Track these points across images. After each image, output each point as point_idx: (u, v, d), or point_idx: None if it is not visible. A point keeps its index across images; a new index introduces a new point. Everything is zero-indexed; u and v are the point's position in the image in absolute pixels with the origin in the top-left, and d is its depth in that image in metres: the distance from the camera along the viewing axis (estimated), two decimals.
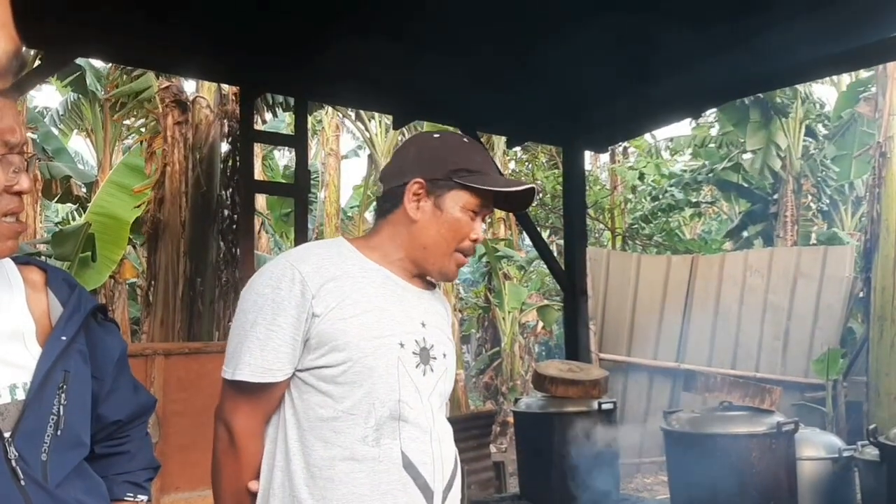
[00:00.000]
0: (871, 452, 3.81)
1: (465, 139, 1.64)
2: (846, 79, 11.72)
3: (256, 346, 1.43)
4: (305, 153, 4.62)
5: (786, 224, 11.00)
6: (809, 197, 11.64)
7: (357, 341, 1.43)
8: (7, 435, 1.10)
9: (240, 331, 1.47)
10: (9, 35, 0.46)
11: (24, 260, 1.28)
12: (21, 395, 1.13)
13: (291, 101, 5.84)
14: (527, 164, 18.52)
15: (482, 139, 5.68)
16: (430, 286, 1.64)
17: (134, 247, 7.62)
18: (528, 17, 4.13)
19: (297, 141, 4.61)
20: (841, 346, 7.84)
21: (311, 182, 12.37)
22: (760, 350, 8.08)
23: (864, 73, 10.74)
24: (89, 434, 1.27)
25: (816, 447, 4.48)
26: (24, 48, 0.49)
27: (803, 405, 7.48)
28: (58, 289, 1.27)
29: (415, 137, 1.72)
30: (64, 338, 1.20)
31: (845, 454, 4.40)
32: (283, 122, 13.81)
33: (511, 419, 7.04)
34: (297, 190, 4.58)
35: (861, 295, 7.76)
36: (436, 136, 1.64)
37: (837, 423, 7.35)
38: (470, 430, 6.17)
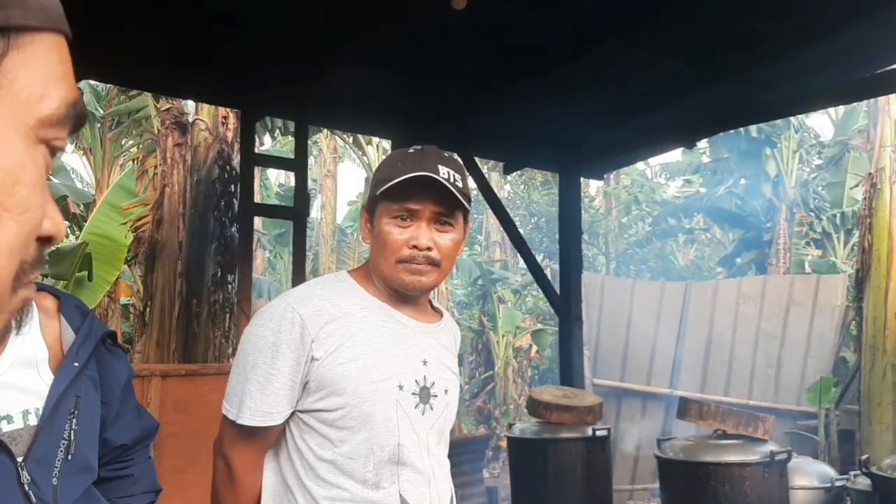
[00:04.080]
0: (864, 482, 3.82)
1: (402, 151, 1.56)
2: (840, 109, 11.85)
3: (257, 390, 1.45)
4: (305, 176, 4.66)
5: (778, 252, 11.07)
6: (803, 225, 11.74)
7: (355, 386, 1.44)
8: (20, 460, 1.11)
9: (241, 371, 1.49)
10: (69, 86, 0.49)
11: (36, 286, 1.30)
12: (33, 421, 1.15)
13: (290, 124, 5.90)
14: (522, 186, 18.63)
15: (480, 164, 5.73)
16: (437, 315, 1.64)
17: (129, 266, 7.63)
18: (526, 47, 4.20)
19: (297, 164, 4.64)
20: (833, 375, 7.88)
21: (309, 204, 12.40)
22: (753, 377, 8.10)
23: (857, 105, 10.86)
24: (97, 458, 1.29)
25: (809, 476, 4.48)
26: (82, 102, 0.52)
27: (796, 433, 7.49)
28: (70, 316, 1.29)
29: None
30: (76, 364, 1.22)
31: (837, 484, 4.40)
32: (278, 142, 13.88)
33: (504, 444, 7.03)
34: (297, 213, 4.60)
35: (852, 324, 7.81)
36: (386, 156, 1.68)
37: (830, 452, 7.36)
38: (463, 454, 6.16)
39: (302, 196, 4.59)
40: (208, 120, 5.65)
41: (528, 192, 18.83)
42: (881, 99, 7.20)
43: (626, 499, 7.85)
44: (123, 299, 8.81)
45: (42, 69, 0.46)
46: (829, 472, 4.65)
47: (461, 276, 13.85)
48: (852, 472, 4.29)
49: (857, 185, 10.82)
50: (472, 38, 4.06)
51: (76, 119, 0.50)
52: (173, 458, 3.34)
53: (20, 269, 0.46)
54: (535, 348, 13.26)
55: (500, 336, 12.02)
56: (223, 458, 1.51)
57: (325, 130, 12.42)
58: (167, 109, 5.54)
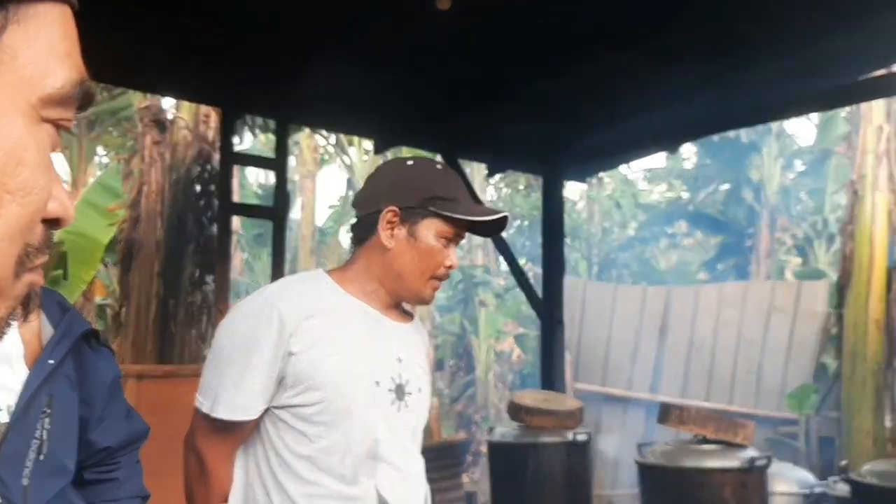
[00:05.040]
0: (843, 489, 3.83)
1: (438, 166, 1.64)
2: (821, 115, 11.96)
3: (232, 384, 1.44)
4: (285, 176, 4.61)
5: (759, 258, 11.15)
6: (784, 231, 11.83)
7: (333, 381, 1.44)
8: None
9: (217, 365, 1.49)
10: (74, 64, 0.46)
11: None
12: (4, 418, 1.12)
13: (270, 122, 5.84)
14: (505, 189, 18.65)
15: (463, 166, 5.71)
16: (408, 317, 1.64)
17: (105, 266, 7.53)
18: (511, 50, 4.18)
19: (278, 163, 4.60)
20: (814, 381, 7.92)
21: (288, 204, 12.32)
22: (734, 383, 8.14)
23: (837, 112, 10.96)
24: (74, 460, 1.25)
25: (789, 482, 4.50)
26: (89, 80, 0.49)
27: (776, 439, 7.52)
28: (50, 311, 1.25)
29: (388, 164, 1.71)
30: (51, 361, 1.18)
31: (817, 490, 4.42)
32: (258, 141, 13.79)
33: (484, 448, 7.00)
34: (276, 213, 4.55)
35: (834, 331, 7.86)
36: (409, 162, 1.62)
37: (810, 459, 7.40)
38: (442, 459, 6.13)
39: (282, 196, 4.54)
40: (188, 118, 5.59)
41: (511, 195, 18.87)
42: (863, 106, 7.26)
43: None
44: (99, 299, 8.69)
45: (45, 44, 0.44)
46: (809, 478, 4.68)
47: None
48: (832, 479, 4.30)
49: (836, 192, 10.94)
50: (457, 41, 4.04)
51: (83, 98, 0.47)
52: (149, 461, 3.26)
53: (24, 252, 0.45)
54: (516, 352, 13.26)
55: (481, 340, 12.01)
56: (195, 452, 1.51)
57: (307, 130, 12.36)
58: (146, 107, 5.47)
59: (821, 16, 3.95)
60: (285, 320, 1.43)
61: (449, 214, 1.52)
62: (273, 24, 3.81)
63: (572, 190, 19.89)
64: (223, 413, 1.44)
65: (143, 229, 5.31)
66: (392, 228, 1.52)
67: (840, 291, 7.56)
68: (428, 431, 9.51)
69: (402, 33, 3.97)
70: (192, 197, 5.48)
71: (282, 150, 4.60)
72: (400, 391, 1.53)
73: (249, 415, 1.45)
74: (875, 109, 7.34)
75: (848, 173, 7.95)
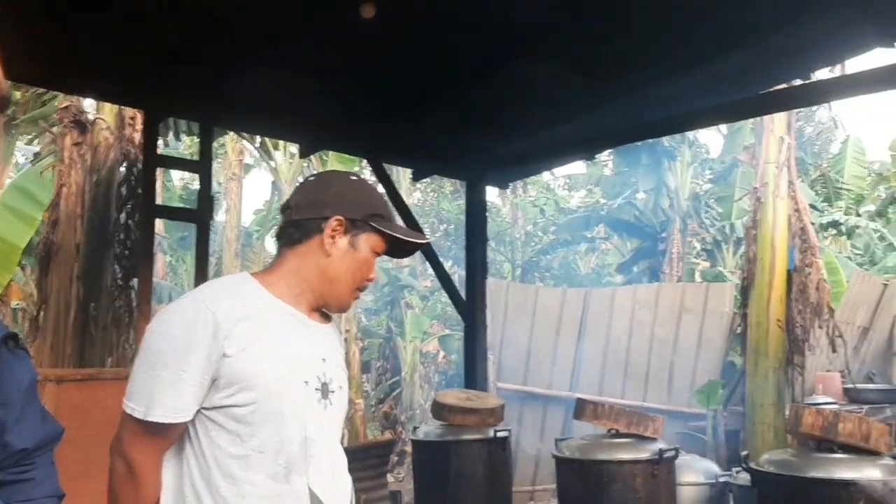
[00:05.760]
0: (745, 477, 4.05)
1: (373, 186, 1.78)
2: (729, 126, 12.54)
3: (168, 387, 1.45)
4: (209, 179, 4.60)
5: (672, 261, 11.64)
6: (695, 236, 12.38)
7: (266, 382, 1.48)
8: None
9: (149, 369, 1.48)
10: None
11: None
12: None
13: (194, 126, 5.79)
14: (431, 193, 18.80)
15: (387, 171, 5.79)
16: (327, 319, 1.71)
17: (22, 269, 7.29)
18: (434, 57, 4.30)
19: (202, 167, 4.58)
20: (722, 378, 8.32)
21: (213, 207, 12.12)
22: (648, 380, 8.46)
23: (744, 123, 11.52)
24: None
25: (696, 473, 4.75)
26: (7, 84, 0.53)
27: (686, 434, 7.86)
28: None
29: (331, 174, 1.82)
30: None
31: (721, 480, 4.69)
32: (182, 143, 13.52)
33: (409, 449, 7.10)
34: (200, 216, 4.54)
35: (739, 330, 8.27)
36: (353, 177, 1.72)
37: (718, 451, 7.76)
38: (367, 459, 6.18)
39: (205, 198, 4.53)
40: (111, 119, 5.49)
41: (437, 199, 19.03)
42: (766, 118, 7.69)
43: (527, 499, 8.05)
44: (15, 303, 8.39)
45: None
46: (714, 468, 4.95)
47: None
48: (735, 469, 4.58)
49: (740, 199, 11.50)
50: (382, 47, 4.12)
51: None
52: (69, 465, 3.23)
53: None
54: (442, 354, 13.39)
55: (407, 342, 12.09)
56: (123, 458, 1.49)
57: (232, 133, 12.20)
58: (66, 108, 5.35)
59: (727, 34, 4.22)
60: (220, 323, 1.46)
61: (389, 232, 1.63)
62: (198, 26, 3.81)
63: (498, 195, 20.20)
64: (159, 416, 1.44)
65: (62, 232, 5.19)
66: (334, 236, 1.60)
67: (744, 292, 7.98)
68: (354, 433, 9.54)
69: (327, 39, 4.03)
70: (114, 199, 5.39)
71: (206, 153, 4.59)
72: (325, 390, 1.59)
73: (186, 417, 1.46)
74: (777, 121, 7.78)
75: (752, 181, 8.39)
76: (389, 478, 7.71)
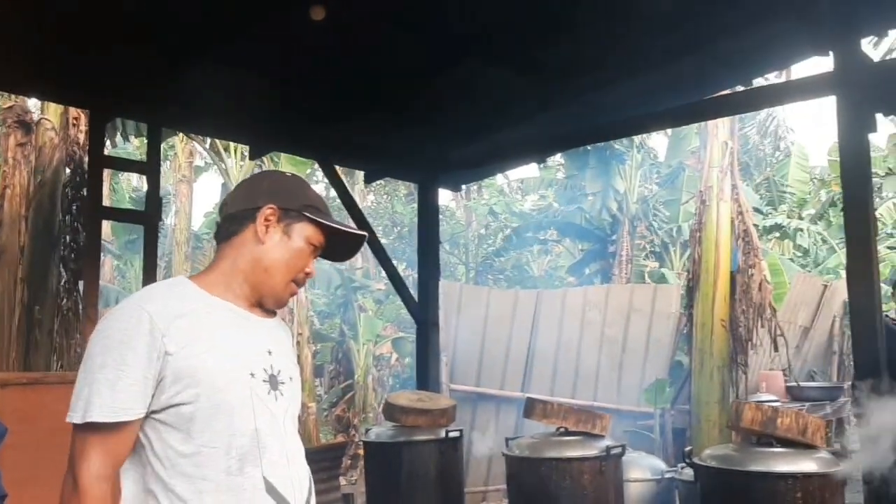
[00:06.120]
0: (689, 473, 4.16)
1: (308, 184, 1.78)
2: (676, 131, 12.83)
3: (106, 387, 1.43)
4: (157, 180, 4.55)
5: (621, 263, 11.85)
6: (643, 238, 12.63)
7: (210, 377, 1.48)
8: None
9: (88, 374, 1.46)
10: None
11: None
12: None
13: (143, 127, 5.71)
14: (385, 196, 18.81)
15: (340, 173, 5.79)
16: (271, 314, 1.72)
17: None
18: (385, 59, 4.32)
19: (150, 167, 4.53)
20: (669, 377, 8.50)
21: (162, 209, 11.93)
22: (598, 380, 8.58)
23: (690, 128, 11.81)
24: None
25: (642, 469, 4.86)
26: None
27: (635, 432, 8.01)
28: None
29: (266, 172, 1.85)
30: None
31: (667, 476, 4.81)
32: (130, 145, 13.29)
33: (362, 451, 7.08)
34: (148, 217, 4.49)
35: (685, 329, 8.47)
36: (289, 174, 1.77)
37: (665, 449, 7.93)
38: (320, 462, 6.16)
39: (154, 200, 4.48)
40: (55, 120, 5.39)
41: (391, 202, 19.04)
42: (710, 123, 7.90)
43: (479, 500, 8.10)
44: None
45: None
46: (661, 465, 5.07)
47: (321, 285, 13.76)
48: (680, 465, 4.69)
49: (687, 202, 11.79)
50: (333, 49, 4.14)
51: None
52: (13, 471, 3.16)
53: None
54: (395, 356, 13.38)
55: (360, 345, 12.05)
56: (71, 473, 1.45)
57: (181, 134, 12.04)
58: (10, 108, 5.23)
59: (671, 42, 4.33)
60: (155, 320, 1.46)
61: (322, 221, 1.65)
62: (145, 25, 3.76)
63: (452, 199, 20.29)
64: (97, 415, 1.41)
65: (5, 234, 5.08)
66: (268, 225, 1.62)
67: (690, 293, 8.17)
68: (307, 436, 9.47)
69: (276, 40, 4.02)
70: (59, 201, 5.29)
71: (154, 153, 4.53)
72: (273, 381, 1.60)
73: (128, 415, 1.44)
74: (721, 127, 8.00)
75: (698, 185, 8.60)
76: (342, 480, 7.69)
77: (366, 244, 6.16)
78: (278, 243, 1.62)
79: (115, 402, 1.43)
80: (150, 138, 4.65)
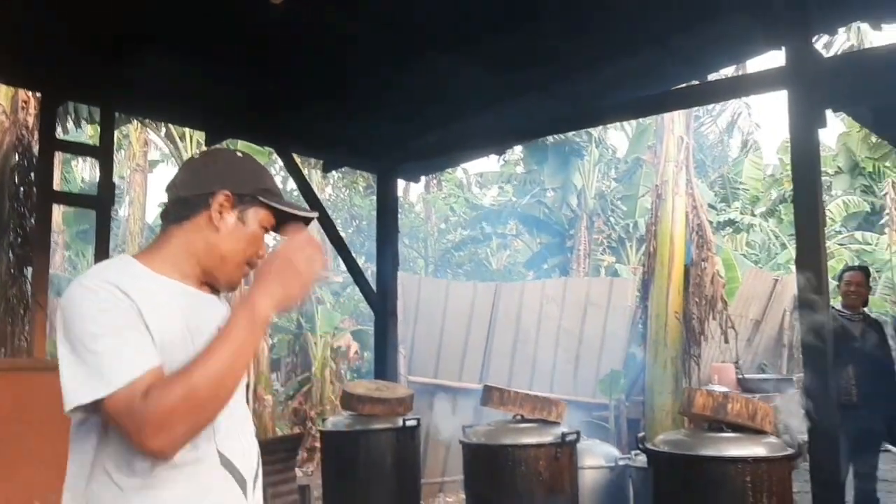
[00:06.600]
0: (643, 460, 4.24)
1: (260, 163, 1.75)
2: (634, 127, 13.00)
3: (113, 351, 1.37)
4: (110, 165, 4.46)
5: (579, 258, 11.99)
6: (601, 233, 12.78)
7: (171, 354, 1.45)
8: None
9: (81, 353, 1.39)
10: None
11: None
12: None
13: (97, 113, 5.59)
14: (344, 189, 18.69)
15: (297, 162, 5.74)
16: (215, 292, 1.69)
17: None
18: (344, 48, 4.30)
19: (102, 152, 4.44)
20: (624, 369, 8.63)
21: (115, 197, 11.69)
22: (555, 372, 8.67)
23: (646, 122, 11.98)
24: None
25: (597, 457, 4.93)
26: None
27: (591, 422, 8.11)
28: None
29: (220, 151, 1.81)
30: None
31: (621, 462, 4.89)
32: (83, 133, 12.99)
33: (319, 444, 7.05)
34: (100, 202, 4.39)
35: (640, 323, 8.60)
36: (240, 154, 1.72)
37: (620, 439, 8.05)
38: (275, 453, 6.09)
39: (107, 184, 4.39)
40: (6, 103, 5.24)
41: (350, 195, 18.93)
42: (666, 117, 8.03)
43: (437, 491, 8.13)
44: None
45: None
46: (615, 452, 5.15)
47: None
48: (633, 452, 4.77)
49: (643, 196, 11.97)
50: (291, 36, 4.09)
51: None
52: None
53: None
54: (353, 349, 13.33)
55: (317, 337, 11.97)
56: (140, 446, 1.37)
57: (136, 122, 11.81)
58: None
59: (628, 35, 4.39)
60: (123, 288, 1.43)
61: (276, 206, 1.64)
62: (98, 8, 3.68)
63: (411, 192, 20.27)
64: (126, 375, 1.35)
65: None
66: (222, 211, 1.59)
67: (645, 286, 8.30)
68: (263, 429, 9.38)
69: (234, 26, 3.97)
70: (8, 186, 5.15)
71: (107, 137, 4.44)
72: None
73: (151, 363, 1.39)
74: (676, 122, 8.14)
75: (654, 180, 8.73)
76: (298, 472, 7.64)
77: (324, 236, 6.06)
78: (233, 230, 1.60)
79: (136, 355, 1.38)
80: (102, 122, 4.55)
